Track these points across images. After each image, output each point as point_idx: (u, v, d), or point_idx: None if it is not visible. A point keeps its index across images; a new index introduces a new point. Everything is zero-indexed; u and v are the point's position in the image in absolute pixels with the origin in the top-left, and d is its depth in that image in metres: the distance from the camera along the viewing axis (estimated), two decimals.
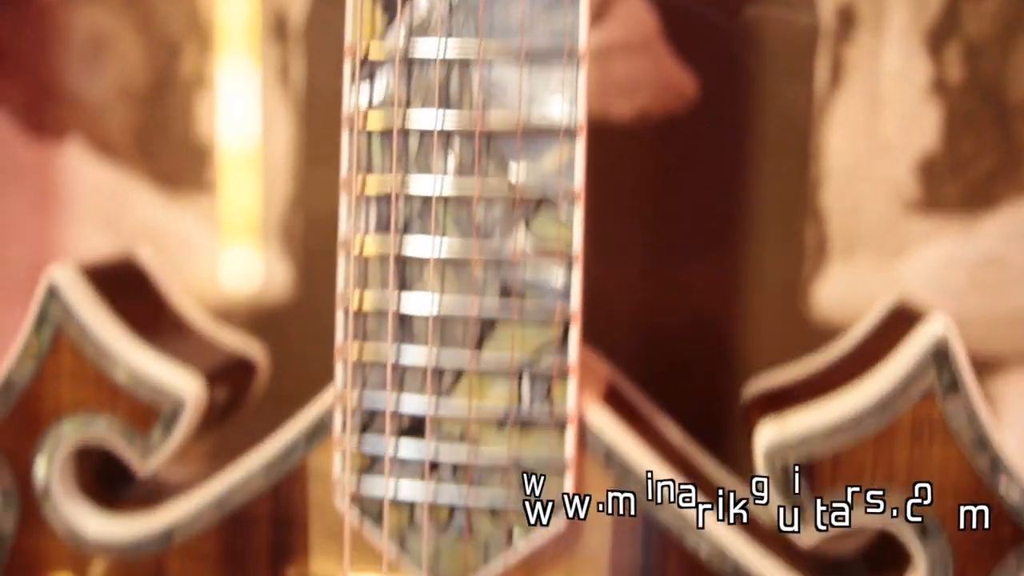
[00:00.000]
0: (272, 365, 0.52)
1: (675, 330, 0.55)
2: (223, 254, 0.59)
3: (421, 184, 0.38)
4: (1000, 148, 0.53)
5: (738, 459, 0.50)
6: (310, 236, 0.59)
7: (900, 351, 0.39)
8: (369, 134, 0.39)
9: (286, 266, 0.59)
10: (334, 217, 0.57)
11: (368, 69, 0.38)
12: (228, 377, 0.47)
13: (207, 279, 0.60)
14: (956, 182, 0.54)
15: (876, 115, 0.54)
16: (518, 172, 0.38)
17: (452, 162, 0.38)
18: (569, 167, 0.38)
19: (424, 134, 0.38)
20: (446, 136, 0.38)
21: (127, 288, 0.47)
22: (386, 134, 0.38)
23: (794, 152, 0.54)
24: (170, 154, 0.59)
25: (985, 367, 0.55)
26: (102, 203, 0.60)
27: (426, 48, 0.38)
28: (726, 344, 0.55)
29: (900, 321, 0.41)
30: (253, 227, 0.59)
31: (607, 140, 0.54)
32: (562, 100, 0.37)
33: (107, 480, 0.47)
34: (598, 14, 0.54)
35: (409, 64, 0.38)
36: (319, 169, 0.58)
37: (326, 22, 0.57)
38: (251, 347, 0.50)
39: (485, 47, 0.37)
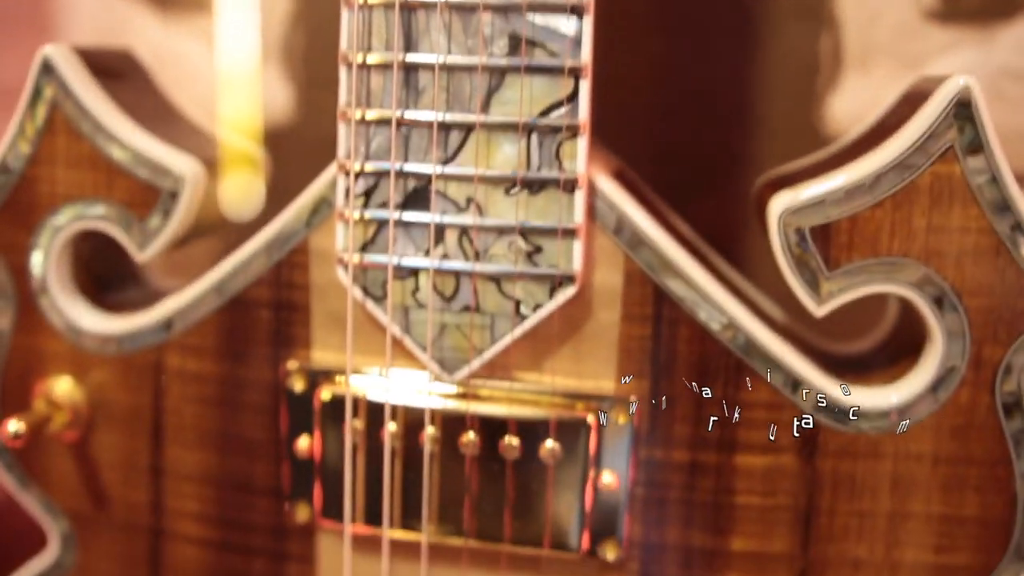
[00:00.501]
0: (273, 176, 0.50)
1: (687, 135, 0.54)
2: (222, 75, 0.58)
3: (421, 58, 0.37)
4: None
5: (748, 262, 0.49)
6: (311, 55, 0.57)
7: (921, 110, 0.37)
8: (370, 12, 0.37)
9: (286, 86, 0.57)
10: (336, 33, 0.55)
11: None
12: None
13: (207, 101, 0.58)
14: None
15: None
16: None
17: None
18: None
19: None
20: None
21: (123, 75, 0.45)
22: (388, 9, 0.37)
23: None
24: None
25: None
26: (98, 25, 0.58)
27: None
28: (737, 154, 0.53)
29: (919, 95, 0.40)
30: (252, 46, 0.57)
31: None
32: None
33: (101, 283, 0.46)
34: None
35: None
36: None
37: None
38: (255, 151, 0.48)
39: None
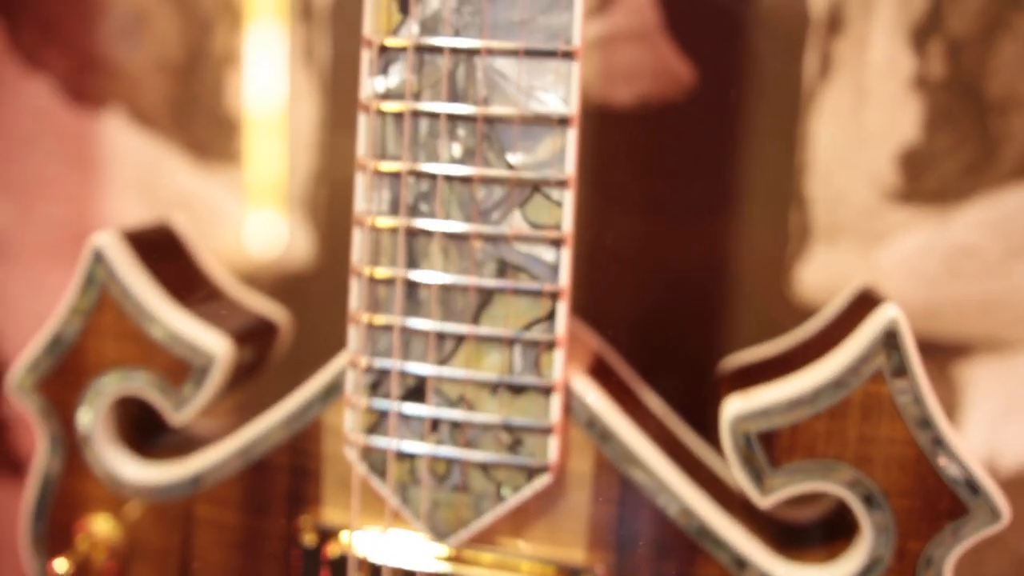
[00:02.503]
0: (294, 327, 0.56)
1: (664, 303, 0.59)
2: (249, 221, 0.64)
3: (428, 167, 0.42)
4: (977, 142, 0.57)
5: (714, 428, 0.55)
6: (332, 205, 0.63)
7: (855, 335, 0.43)
8: (383, 119, 0.43)
9: (308, 233, 0.63)
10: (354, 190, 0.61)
11: (384, 59, 0.42)
12: (254, 338, 0.52)
13: (234, 244, 0.64)
14: (934, 173, 0.57)
15: (861, 107, 0.57)
16: (516, 158, 0.42)
17: (457, 148, 0.42)
18: (562, 155, 0.42)
19: (433, 120, 0.42)
20: (452, 123, 0.42)
21: (164, 252, 0.52)
22: (399, 119, 0.43)
23: (782, 140, 0.58)
24: (202, 125, 0.64)
25: (956, 350, 0.59)
26: (138, 169, 0.65)
27: (435, 42, 0.42)
28: (712, 320, 0.59)
29: (861, 308, 0.45)
30: (278, 196, 0.63)
31: (608, 122, 0.58)
32: (557, 93, 0.41)
33: (142, 429, 0.52)
34: (603, 4, 0.58)
35: (420, 56, 0.42)
36: (341, 142, 0.62)
37: (349, 5, 0.61)
38: (275, 311, 0.54)
39: (488, 43, 0.41)
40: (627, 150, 0.59)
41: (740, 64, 0.58)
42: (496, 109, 0.41)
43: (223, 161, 0.64)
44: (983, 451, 0.59)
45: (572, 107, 0.41)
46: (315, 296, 0.64)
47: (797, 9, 0.57)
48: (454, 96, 0.42)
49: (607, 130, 0.58)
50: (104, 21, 0.64)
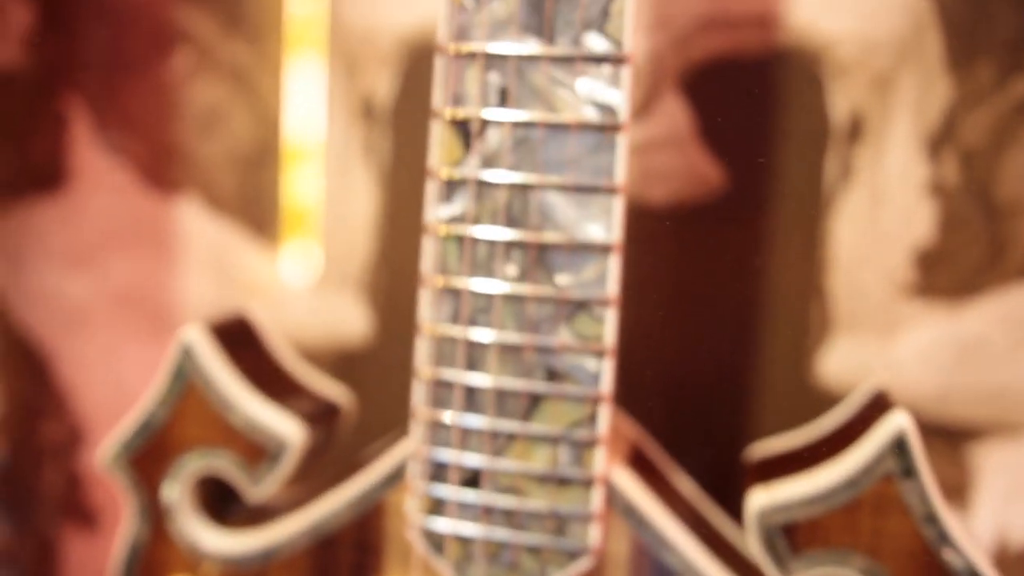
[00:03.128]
0: (355, 406, 0.61)
1: (695, 391, 0.64)
2: (315, 304, 0.70)
3: (486, 284, 0.48)
4: (987, 242, 0.61)
5: (740, 506, 0.60)
6: (392, 289, 0.68)
7: (867, 439, 0.47)
8: (446, 240, 0.48)
9: (369, 315, 0.69)
10: (411, 275, 0.67)
11: (447, 188, 0.48)
12: (321, 420, 0.57)
13: (301, 325, 0.70)
14: (947, 270, 0.62)
15: (879, 209, 0.62)
16: (564, 279, 0.47)
17: (512, 268, 0.47)
18: (605, 277, 0.47)
19: (491, 244, 0.48)
20: (507, 247, 0.47)
21: (242, 341, 0.57)
22: (461, 241, 0.48)
23: (805, 238, 0.63)
24: (271, 214, 0.70)
25: (967, 433, 0.63)
26: (210, 251, 0.71)
27: (494, 175, 0.47)
28: (739, 405, 0.64)
29: (875, 409, 0.50)
30: (342, 280, 0.69)
31: (643, 219, 0.63)
32: (601, 223, 0.46)
33: (222, 498, 0.58)
34: (641, 111, 0.63)
35: (480, 187, 0.47)
36: (400, 231, 0.68)
37: (408, 106, 0.67)
38: (338, 393, 0.60)
39: (541, 178, 0.46)
40: (660, 244, 0.64)
41: (766, 168, 0.63)
42: (547, 236, 0.47)
43: (290, 248, 0.70)
44: (993, 529, 0.64)
45: (614, 236, 0.46)
46: (374, 375, 0.69)
47: (820, 119, 0.62)
48: (510, 223, 0.47)
49: (641, 225, 0.63)
50: (181, 116, 0.70)
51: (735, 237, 0.64)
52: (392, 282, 0.69)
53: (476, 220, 0.48)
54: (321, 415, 0.58)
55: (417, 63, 0.66)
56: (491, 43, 0.47)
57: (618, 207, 0.46)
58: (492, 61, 0.47)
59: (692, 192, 0.64)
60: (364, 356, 0.70)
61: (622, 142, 0.46)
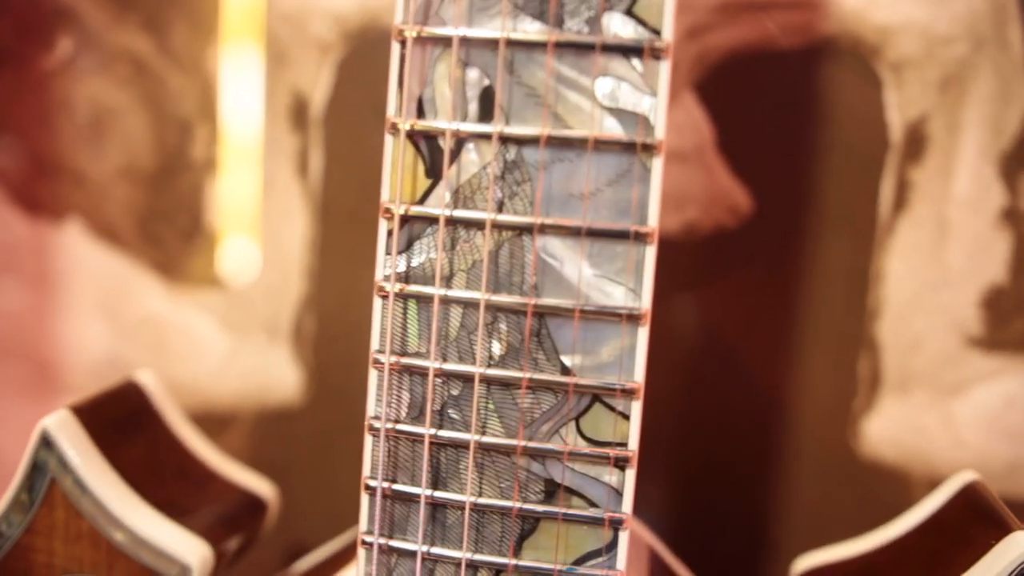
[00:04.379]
0: (278, 476, 0.48)
1: (716, 457, 0.52)
2: (229, 351, 0.55)
3: (461, 366, 0.34)
4: None
5: None
6: (322, 337, 0.54)
7: (981, 565, 0.35)
8: (405, 304, 0.35)
9: (295, 368, 0.55)
10: (348, 319, 0.53)
11: (406, 233, 0.34)
12: (238, 525, 0.43)
13: (211, 376, 0.56)
14: (1022, 319, 0.50)
15: (942, 243, 0.50)
16: (572, 360, 0.34)
17: (497, 345, 0.34)
18: (629, 357, 0.34)
19: (468, 311, 0.34)
20: (492, 315, 0.34)
21: (129, 422, 0.43)
22: (425, 306, 0.34)
23: (852, 278, 0.51)
24: (175, 242, 0.55)
25: None
26: (102, 289, 0.56)
27: (472, 215, 0.34)
28: (768, 477, 0.51)
29: (970, 512, 0.38)
30: (261, 324, 0.55)
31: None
32: (626, 284, 0.33)
33: None
34: None
35: (453, 231, 0.34)
36: (334, 268, 0.54)
37: (349, 109, 0.53)
38: (261, 484, 0.46)
39: (541, 219, 0.33)
40: (672, 284, 0.51)
41: (805, 190, 0.50)
42: (549, 300, 0.33)
43: (200, 283, 0.55)
44: None
45: (645, 302, 0.33)
46: (301, 436, 0.55)
47: (873, 132, 0.49)
48: (496, 282, 0.34)
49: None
50: (62, 121, 0.55)
51: (765, 276, 0.51)
52: (324, 328, 0.55)
53: (447, 277, 0.34)
54: (238, 518, 0.44)
55: (364, 51, 0.52)
56: (470, 26, 0.33)
57: (651, 261, 0.33)
58: (472, 51, 0.33)
59: (713, 219, 0.51)
60: (292, 415, 0.55)
61: (658, 168, 0.33)
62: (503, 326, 0.34)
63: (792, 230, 0.51)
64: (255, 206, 0.54)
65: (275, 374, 0.55)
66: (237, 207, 0.55)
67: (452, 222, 0.34)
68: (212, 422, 0.55)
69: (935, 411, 0.51)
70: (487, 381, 0.34)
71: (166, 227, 0.55)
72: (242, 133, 0.54)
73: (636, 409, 0.34)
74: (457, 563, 0.35)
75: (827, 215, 0.50)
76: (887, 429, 0.52)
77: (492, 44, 0.33)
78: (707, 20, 0.50)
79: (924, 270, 0.50)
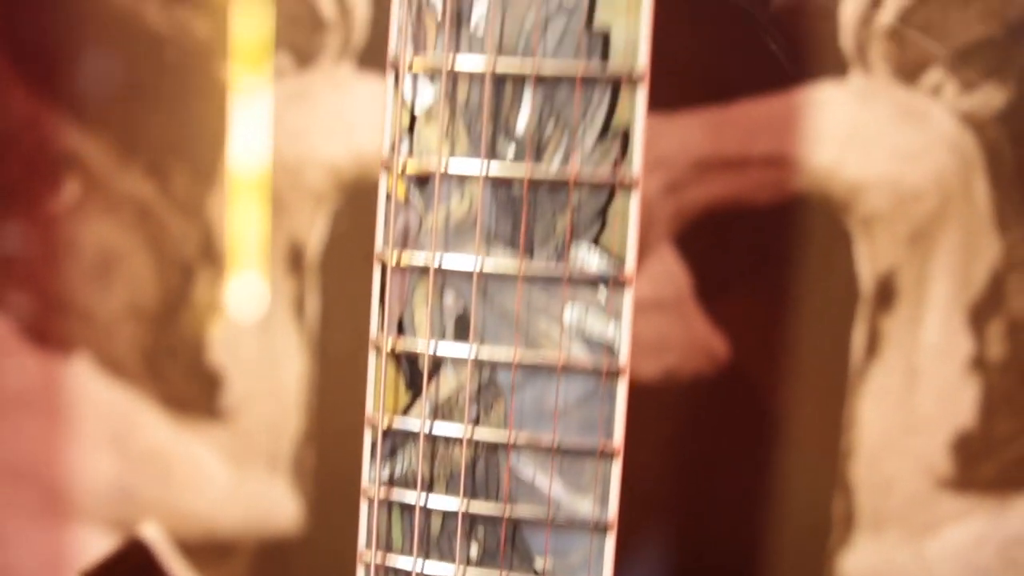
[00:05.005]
0: None
1: None
2: (231, 483, 0.58)
3: (441, 569, 0.36)
4: None
5: None
6: (321, 470, 0.57)
7: None
8: (389, 507, 0.37)
9: (295, 499, 0.57)
10: (346, 454, 0.55)
11: (390, 441, 0.37)
12: None
13: (214, 506, 0.58)
14: (991, 461, 0.52)
15: (912, 389, 0.52)
16: (544, 563, 0.36)
17: (475, 548, 0.36)
18: (597, 561, 0.36)
19: (447, 516, 0.36)
20: (470, 521, 0.36)
21: None
22: (407, 510, 0.37)
23: (826, 421, 0.53)
24: (180, 377, 0.58)
25: None
26: (110, 420, 0.58)
27: (451, 429, 0.36)
28: None
29: None
30: (262, 457, 0.57)
31: (631, 398, 0.52)
32: (593, 495, 0.35)
33: None
34: None
35: (433, 442, 0.36)
36: (332, 406, 0.56)
37: (344, 256, 0.55)
38: None
39: (514, 435, 0.35)
40: (652, 426, 0.53)
41: (780, 338, 0.52)
42: (522, 511, 0.36)
43: (204, 417, 0.58)
44: None
45: (611, 512, 0.35)
46: (300, 566, 0.57)
47: (844, 283, 0.51)
48: (473, 490, 0.36)
49: (629, 405, 0.52)
50: (70, 261, 0.58)
51: (742, 418, 0.53)
52: (323, 461, 0.57)
53: (428, 483, 0.36)
54: None
55: (357, 202, 0.55)
56: (447, 254, 0.35)
57: (616, 475, 0.35)
58: (448, 277, 0.36)
59: (690, 366, 0.53)
60: (293, 547, 0.58)
61: (623, 390, 0.35)
62: (481, 530, 0.36)
63: (768, 375, 0.53)
64: (254, 345, 0.57)
65: (275, 505, 0.58)
66: (237, 345, 0.57)
67: (431, 436, 0.36)
68: (215, 550, 0.57)
69: (908, 549, 0.53)
70: None
71: (171, 363, 0.58)
72: (241, 276, 0.56)
73: None
74: None
75: (802, 361, 0.52)
76: (861, 566, 0.53)
77: (466, 274, 0.35)
78: (685, 176, 0.52)
79: (895, 415, 0.52)
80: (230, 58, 0.55)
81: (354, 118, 0.54)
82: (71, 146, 0.57)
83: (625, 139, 0.34)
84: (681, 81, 0.52)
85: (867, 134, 0.51)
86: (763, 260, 0.52)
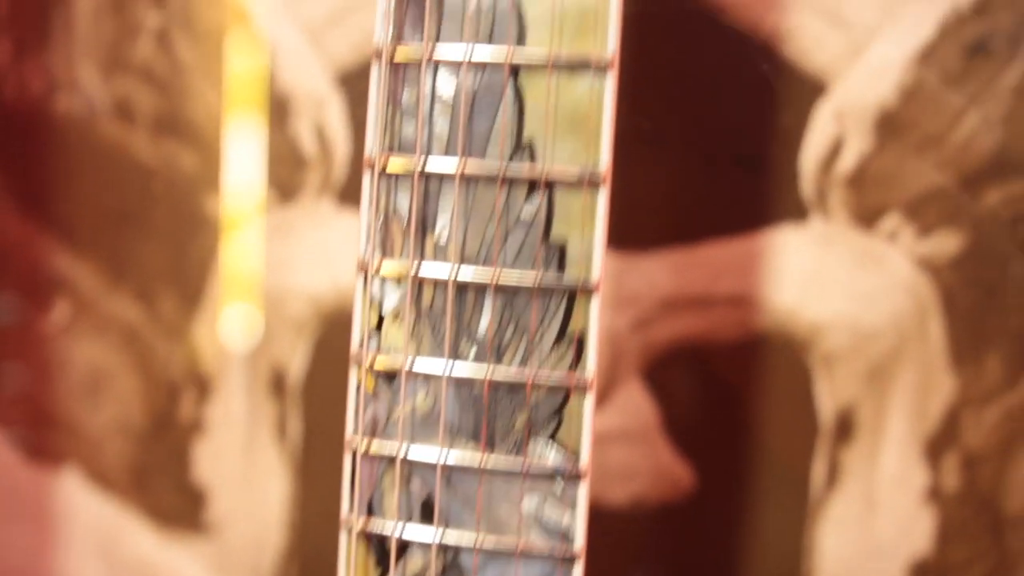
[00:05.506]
0: None
1: None
2: None
3: None
4: (992, 557, 0.53)
5: None
6: None
7: None
8: None
9: None
10: (327, 567, 0.57)
11: None
12: None
13: None
14: None
15: (871, 518, 0.54)
16: None
17: None
18: None
19: None
20: None
21: None
22: None
23: (786, 549, 0.55)
24: (166, 492, 0.60)
25: None
26: (97, 532, 0.60)
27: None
28: None
29: None
30: (246, 572, 0.59)
31: (602, 523, 0.54)
32: None
33: None
34: (599, 401, 0.54)
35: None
36: (313, 521, 0.58)
37: (323, 381, 0.57)
38: None
39: (481, 538, 0.37)
40: (622, 550, 0.55)
41: (743, 468, 0.54)
42: None
43: (189, 532, 0.60)
44: None
45: None
46: None
47: (805, 416, 0.53)
48: None
49: (600, 529, 0.54)
50: (61, 378, 0.60)
51: (707, 545, 0.55)
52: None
53: None
54: None
55: (337, 330, 0.57)
56: (413, 444, 0.37)
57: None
58: (415, 466, 0.38)
59: (657, 493, 0.55)
60: None
61: (579, 573, 0.37)
62: None
63: (731, 504, 0.55)
64: (238, 463, 0.59)
65: None
66: (221, 463, 0.59)
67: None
68: None
69: None
70: None
71: (157, 478, 0.60)
72: (224, 399, 0.58)
73: None
74: None
75: (763, 490, 0.54)
76: None
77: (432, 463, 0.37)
78: (653, 313, 0.54)
79: (854, 542, 0.54)
80: (219, 191, 0.57)
81: (334, 251, 0.56)
82: (62, 269, 0.59)
83: (580, 344, 0.36)
84: (650, 223, 0.54)
85: (827, 277, 0.53)
86: (727, 394, 0.54)
